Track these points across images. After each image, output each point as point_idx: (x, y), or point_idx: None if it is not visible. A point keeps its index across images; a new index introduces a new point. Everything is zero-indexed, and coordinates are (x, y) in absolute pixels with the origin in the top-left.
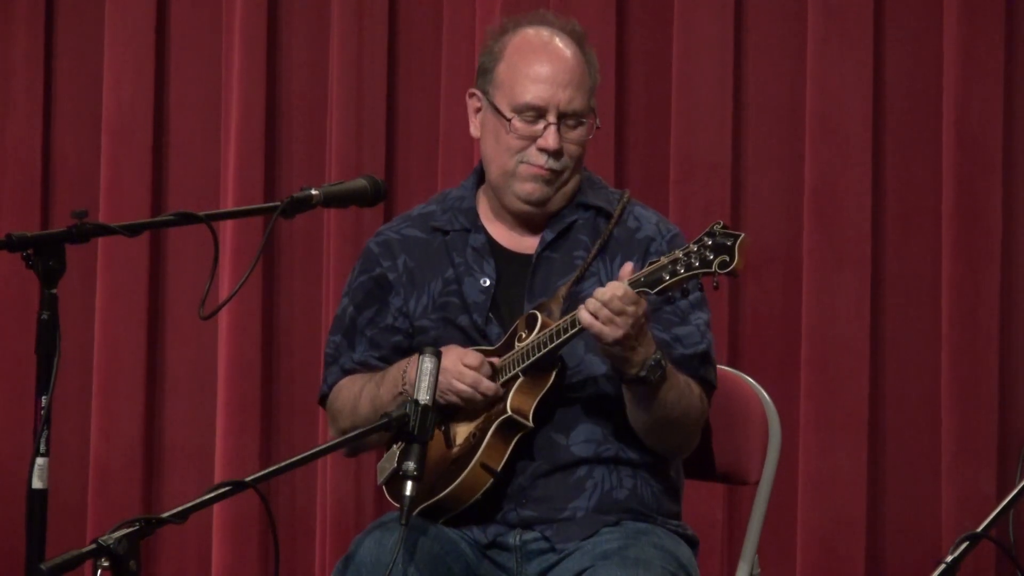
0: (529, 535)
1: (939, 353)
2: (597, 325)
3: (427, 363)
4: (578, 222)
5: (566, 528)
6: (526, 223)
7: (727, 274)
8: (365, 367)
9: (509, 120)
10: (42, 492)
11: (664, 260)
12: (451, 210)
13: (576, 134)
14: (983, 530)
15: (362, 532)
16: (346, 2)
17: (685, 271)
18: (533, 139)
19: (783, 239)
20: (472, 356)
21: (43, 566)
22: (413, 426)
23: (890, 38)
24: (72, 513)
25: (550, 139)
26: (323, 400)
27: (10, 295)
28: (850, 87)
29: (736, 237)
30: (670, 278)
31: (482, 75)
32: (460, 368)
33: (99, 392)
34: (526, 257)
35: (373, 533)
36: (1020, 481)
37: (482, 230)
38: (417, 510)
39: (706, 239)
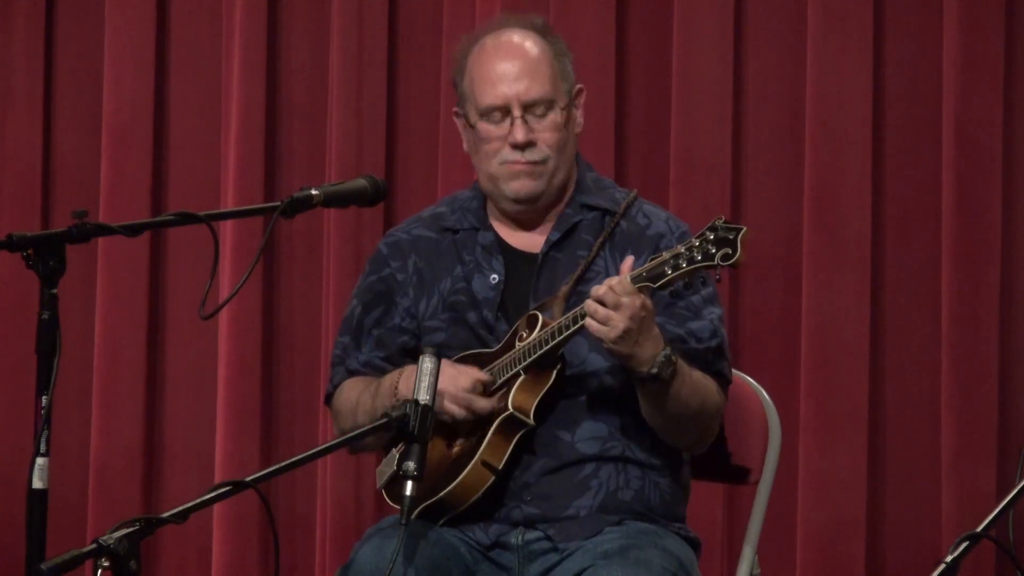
0: (532, 535)
1: (939, 353)
2: (595, 325)
3: (427, 363)
4: (583, 222)
5: (569, 527)
6: (530, 223)
7: (729, 265)
8: (370, 367)
9: (477, 127)
10: (42, 492)
11: (666, 255)
12: (460, 210)
13: (547, 122)
14: (983, 530)
15: (361, 540)
16: (346, 2)
17: (688, 265)
18: (505, 138)
19: (783, 239)
20: (465, 378)
21: (43, 566)
22: (413, 426)
23: (890, 38)
24: (72, 513)
25: (517, 132)
26: (328, 399)
27: (10, 295)
28: (850, 87)
29: (738, 231)
30: (672, 272)
31: (458, 94)
32: (453, 391)
33: (99, 392)
34: (533, 256)
35: (372, 540)
36: (1020, 481)
37: (491, 228)
38: (418, 509)
39: (708, 234)
